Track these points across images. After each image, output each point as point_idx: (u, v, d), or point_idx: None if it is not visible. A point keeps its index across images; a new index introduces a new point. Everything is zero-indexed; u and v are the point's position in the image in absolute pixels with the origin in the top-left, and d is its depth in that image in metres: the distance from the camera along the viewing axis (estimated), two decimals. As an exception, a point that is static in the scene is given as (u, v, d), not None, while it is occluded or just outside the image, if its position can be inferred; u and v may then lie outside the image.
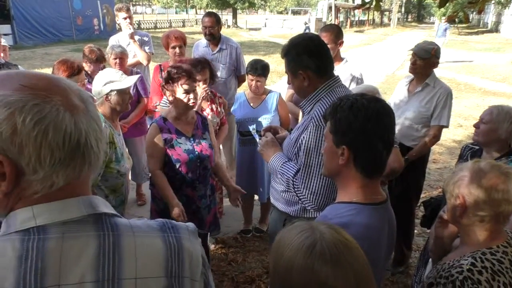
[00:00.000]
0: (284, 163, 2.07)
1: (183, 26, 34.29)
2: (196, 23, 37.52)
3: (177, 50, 4.08)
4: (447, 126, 3.30)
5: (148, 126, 4.34)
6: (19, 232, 0.76)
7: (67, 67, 3.18)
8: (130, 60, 4.90)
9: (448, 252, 1.66)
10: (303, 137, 1.98)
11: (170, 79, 2.72)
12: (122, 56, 4.12)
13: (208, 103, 3.59)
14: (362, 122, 1.36)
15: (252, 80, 3.66)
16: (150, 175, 2.91)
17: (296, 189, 1.99)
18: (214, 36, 4.49)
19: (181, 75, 2.69)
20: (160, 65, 4.15)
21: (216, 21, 4.48)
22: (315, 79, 2.02)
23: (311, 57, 2.00)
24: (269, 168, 2.19)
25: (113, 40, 4.97)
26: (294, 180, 1.99)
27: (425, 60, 3.25)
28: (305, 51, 2.00)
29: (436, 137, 3.31)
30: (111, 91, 2.58)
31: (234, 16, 35.73)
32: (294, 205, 2.13)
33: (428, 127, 3.31)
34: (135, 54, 4.93)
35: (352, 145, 1.39)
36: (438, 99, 3.23)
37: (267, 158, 2.17)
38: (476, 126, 2.43)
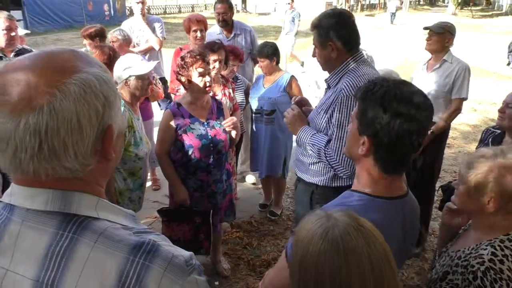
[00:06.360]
0: (313, 134, 2.14)
1: (192, 10, 33.95)
2: (206, 8, 37.18)
3: (198, 33, 4.06)
4: (466, 98, 3.45)
5: (152, 111, 4.49)
6: (2, 203, 0.81)
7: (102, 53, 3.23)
8: (142, 46, 4.93)
9: (453, 237, 1.66)
10: (333, 109, 2.06)
11: (184, 64, 2.73)
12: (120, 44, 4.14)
13: (221, 88, 3.60)
14: (390, 118, 1.23)
15: (261, 61, 3.85)
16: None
17: (328, 158, 2.06)
18: (227, 22, 4.50)
19: (196, 59, 2.70)
20: (181, 48, 4.14)
21: (228, 7, 4.51)
22: (343, 51, 2.10)
23: (341, 30, 2.08)
24: (297, 141, 2.25)
25: (125, 25, 4.97)
26: (326, 149, 2.06)
27: (439, 35, 3.43)
28: (336, 24, 2.08)
29: (458, 110, 3.48)
30: (130, 76, 2.61)
31: (244, 0, 35.35)
32: (322, 175, 2.22)
33: (446, 102, 3.47)
34: (147, 40, 4.93)
35: (374, 139, 1.28)
36: (457, 74, 3.39)
37: (295, 131, 2.25)
38: (502, 110, 2.39)
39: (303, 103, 2.41)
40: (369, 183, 1.35)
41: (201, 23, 4.11)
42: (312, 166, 2.24)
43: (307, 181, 2.31)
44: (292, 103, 2.38)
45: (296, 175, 2.45)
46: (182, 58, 2.75)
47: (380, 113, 1.25)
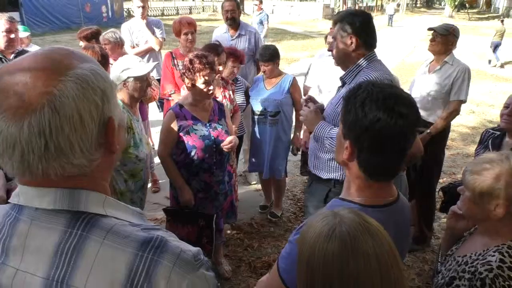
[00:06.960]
0: (331, 129, 2.18)
1: (190, 13, 33.93)
2: (203, 10, 37.23)
3: (189, 36, 4.06)
4: (465, 101, 3.46)
5: (148, 113, 4.51)
6: (10, 204, 0.81)
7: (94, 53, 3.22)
8: (141, 46, 4.92)
9: (458, 241, 1.65)
10: None
11: (192, 68, 2.72)
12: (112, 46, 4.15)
13: (221, 90, 3.61)
14: (369, 122, 1.20)
15: (262, 66, 3.87)
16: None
17: None
18: (235, 19, 4.57)
19: (205, 67, 2.70)
20: (171, 52, 4.14)
21: (236, 5, 4.60)
22: (360, 48, 2.23)
23: (363, 28, 2.22)
24: (314, 136, 2.29)
25: (125, 27, 4.97)
26: None
27: (444, 37, 3.46)
28: (360, 21, 2.22)
29: (456, 111, 3.49)
30: (129, 77, 2.61)
31: (242, 2, 35.48)
32: (341, 170, 2.26)
33: (444, 103, 3.48)
34: (147, 41, 4.93)
35: (355, 143, 1.27)
36: (456, 76, 3.41)
37: (311, 127, 2.29)
38: (509, 113, 2.39)
39: (312, 102, 2.45)
40: (357, 190, 1.33)
41: (192, 25, 4.12)
42: (330, 162, 2.29)
43: (324, 178, 2.34)
44: (302, 101, 2.42)
45: (310, 174, 2.47)
46: (191, 62, 2.74)
47: (360, 116, 1.22)
